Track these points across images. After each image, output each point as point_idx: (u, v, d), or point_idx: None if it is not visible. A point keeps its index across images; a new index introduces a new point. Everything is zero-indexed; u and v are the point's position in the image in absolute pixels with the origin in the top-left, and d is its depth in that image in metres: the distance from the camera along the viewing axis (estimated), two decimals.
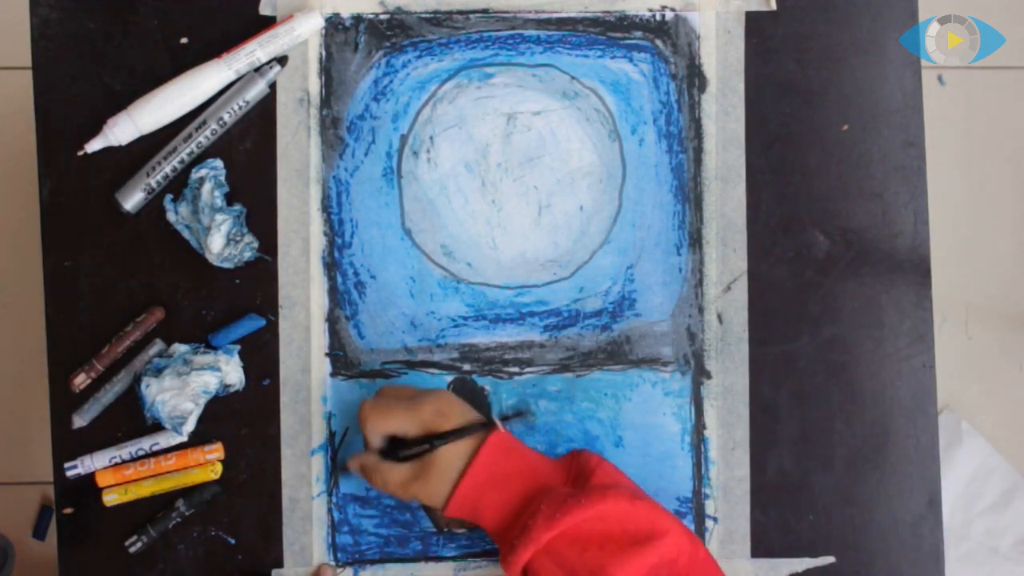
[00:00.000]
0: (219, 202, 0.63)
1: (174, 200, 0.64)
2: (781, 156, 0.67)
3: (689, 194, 0.67)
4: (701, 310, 0.66)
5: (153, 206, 0.65)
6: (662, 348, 0.66)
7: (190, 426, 0.62)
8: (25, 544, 1.31)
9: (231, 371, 0.64)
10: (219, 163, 0.65)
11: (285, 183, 0.66)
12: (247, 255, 0.64)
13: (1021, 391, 1.40)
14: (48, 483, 1.31)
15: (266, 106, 0.66)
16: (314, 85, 0.66)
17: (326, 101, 0.66)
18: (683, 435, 0.66)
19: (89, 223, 0.65)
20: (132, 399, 0.64)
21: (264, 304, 0.65)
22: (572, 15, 0.66)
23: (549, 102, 0.66)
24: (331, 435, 0.65)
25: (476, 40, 0.66)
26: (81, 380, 0.64)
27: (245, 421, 0.65)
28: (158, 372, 0.62)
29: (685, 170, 0.67)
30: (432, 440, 0.57)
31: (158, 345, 0.64)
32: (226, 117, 0.64)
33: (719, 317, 0.66)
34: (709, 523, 0.66)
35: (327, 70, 0.66)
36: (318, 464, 0.65)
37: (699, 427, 0.66)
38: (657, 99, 0.67)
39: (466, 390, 0.65)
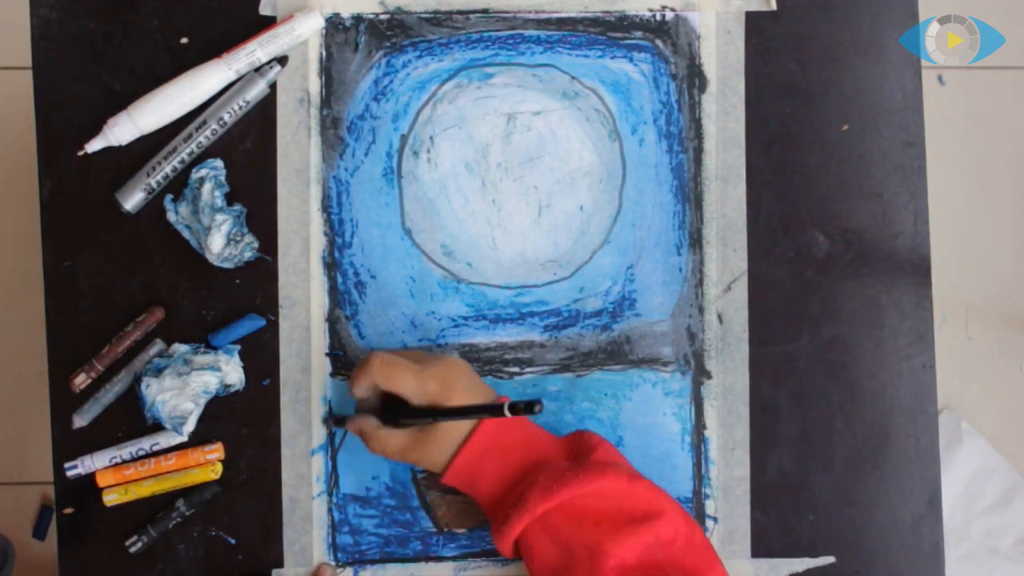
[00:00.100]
0: (219, 202, 0.63)
1: (174, 200, 0.65)
2: (781, 156, 0.67)
3: (689, 194, 0.67)
4: (701, 310, 0.66)
5: (153, 206, 0.65)
6: (662, 348, 0.66)
7: (190, 426, 0.62)
8: (25, 544, 1.31)
9: (231, 371, 0.64)
10: (219, 163, 0.65)
11: (285, 183, 0.66)
12: (247, 255, 0.64)
13: (1021, 391, 1.40)
14: (48, 483, 1.31)
15: (266, 106, 0.66)
16: (314, 85, 0.66)
17: (326, 101, 0.66)
18: (683, 435, 0.66)
19: (89, 223, 0.65)
20: (132, 399, 0.64)
21: (264, 304, 0.65)
22: (572, 15, 0.66)
23: (549, 102, 0.66)
24: (331, 435, 0.65)
25: (476, 40, 0.66)
26: (81, 380, 0.64)
27: (245, 421, 0.65)
28: (158, 372, 0.62)
29: (685, 170, 0.67)
30: (433, 414, 0.57)
31: (158, 345, 0.64)
32: (226, 117, 0.64)
33: (719, 317, 0.66)
34: (709, 523, 0.66)
35: (327, 70, 0.66)
36: (318, 464, 0.65)
37: (699, 427, 0.66)
38: (657, 99, 0.67)
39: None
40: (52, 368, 0.65)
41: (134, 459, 0.64)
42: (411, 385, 0.57)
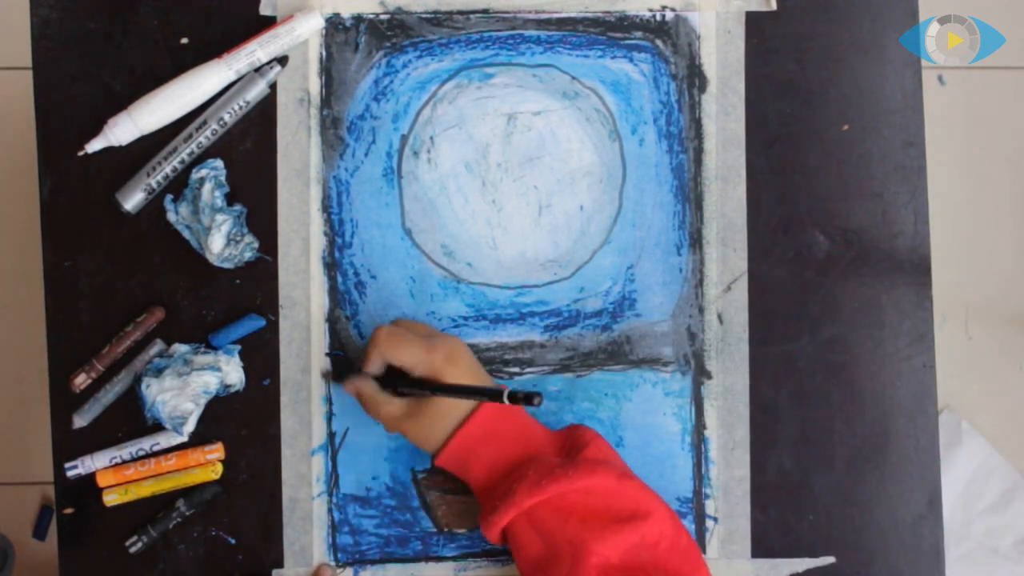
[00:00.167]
0: (219, 202, 0.63)
1: (174, 200, 0.64)
2: (781, 156, 0.67)
3: (689, 194, 0.67)
4: (701, 310, 0.66)
5: (153, 206, 0.65)
6: (662, 348, 0.66)
7: (190, 426, 0.62)
8: (25, 544, 1.31)
9: (231, 371, 0.64)
10: (219, 163, 0.65)
11: (285, 183, 0.66)
12: (247, 255, 0.64)
13: (1021, 391, 1.40)
14: (48, 483, 1.31)
15: (266, 106, 0.66)
16: (314, 85, 0.66)
17: (326, 101, 0.66)
18: (683, 435, 0.66)
19: (89, 223, 0.65)
20: (132, 399, 0.64)
21: (264, 304, 0.65)
22: (572, 15, 0.66)
23: (549, 102, 0.66)
24: (331, 435, 0.65)
25: (476, 40, 0.66)
26: (81, 380, 0.64)
27: (245, 421, 0.65)
28: (158, 372, 0.62)
29: (685, 170, 0.67)
30: (434, 388, 0.57)
31: (158, 345, 0.64)
32: (226, 117, 0.64)
33: (719, 317, 0.66)
34: (709, 523, 0.66)
35: (327, 70, 0.66)
36: (318, 464, 0.65)
37: (699, 427, 0.66)
38: (657, 99, 0.67)
39: None
40: (52, 368, 0.65)
41: (134, 459, 0.64)
42: (417, 356, 0.57)
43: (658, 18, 0.67)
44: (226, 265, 0.64)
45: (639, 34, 0.67)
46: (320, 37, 0.66)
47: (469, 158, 0.66)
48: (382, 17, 0.66)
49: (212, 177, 0.64)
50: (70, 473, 0.64)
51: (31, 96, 0.65)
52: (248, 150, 0.66)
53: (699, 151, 0.67)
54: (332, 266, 0.66)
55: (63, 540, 0.65)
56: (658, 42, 0.67)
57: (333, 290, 0.66)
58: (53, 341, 0.65)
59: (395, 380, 0.59)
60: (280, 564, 0.65)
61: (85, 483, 0.64)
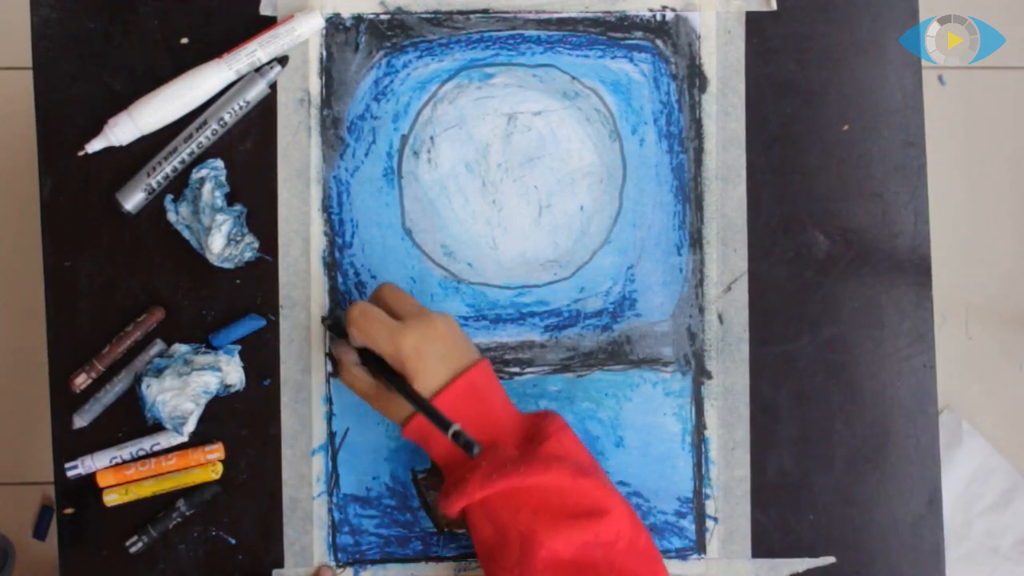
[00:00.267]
0: (219, 202, 0.63)
1: (174, 200, 0.65)
2: (781, 156, 0.67)
3: (689, 194, 0.67)
4: (702, 310, 0.66)
5: (153, 206, 0.65)
6: (663, 348, 0.66)
7: (191, 426, 0.62)
8: (25, 544, 1.31)
9: (231, 371, 0.64)
10: (219, 163, 0.65)
11: (285, 183, 0.66)
12: (247, 255, 0.64)
13: (1021, 391, 1.40)
14: (48, 483, 1.31)
15: (266, 106, 0.66)
16: (314, 85, 0.66)
17: (326, 101, 0.66)
18: (684, 435, 0.66)
19: (89, 223, 0.65)
20: (132, 399, 0.64)
21: (264, 304, 0.65)
22: (572, 15, 0.66)
23: (549, 102, 0.66)
24: (331, 435, 0.65)
25: (476, 40, 0.66)
26: (81, 380, 0.64)
27: (245, 421, 0.65)
28: (158, 372, 0.62)
29: (686, 170, 0.67)
30: (398, 386, 0.56)
31: (158, 345, 0.64)
32: (226, 117, 0.64)
33: (719, 317, 0.66)
34: (709, 523, 0.66)
35: (327, 70, 0.66)
36: (318, 464, 0.65)
37: (699, 427, 0.66)
38: (657, 99, 0.67)
39: None
40: (52, 368, 0.65)
41: (134, 459, 0.64)
42: (383, 343, 0.56)
43: (658, 18, 0.67)
44: (226, 265, 0.64)
45: (639, 34, 0.67)
46: (320, 37, 0.66)
47: (469, 158, 0.66)
48: (382, 17, 0.66)
49: (212, 177, 0.64)
50: (70, 473, 0.64)
51: (31, 96, 0.65)
52: (248, 150, 0.66)
53: (699, 151, 0.67)
54: (332, 266, 0.66)
55: (63, 540, 0.65)
56: (658, 42, 0.67)
57: (333, 290, 0.66)
58: (53, 341, 0.65)
59: (371, 359, 0.59)
60: (280, 564, 0.65)
61: (85, 483, 0.64)
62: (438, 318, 0.58)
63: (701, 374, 0.66)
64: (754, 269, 0.67)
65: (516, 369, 0.66)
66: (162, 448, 0.64)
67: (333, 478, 0.65)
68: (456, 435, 0.52)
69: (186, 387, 0.61)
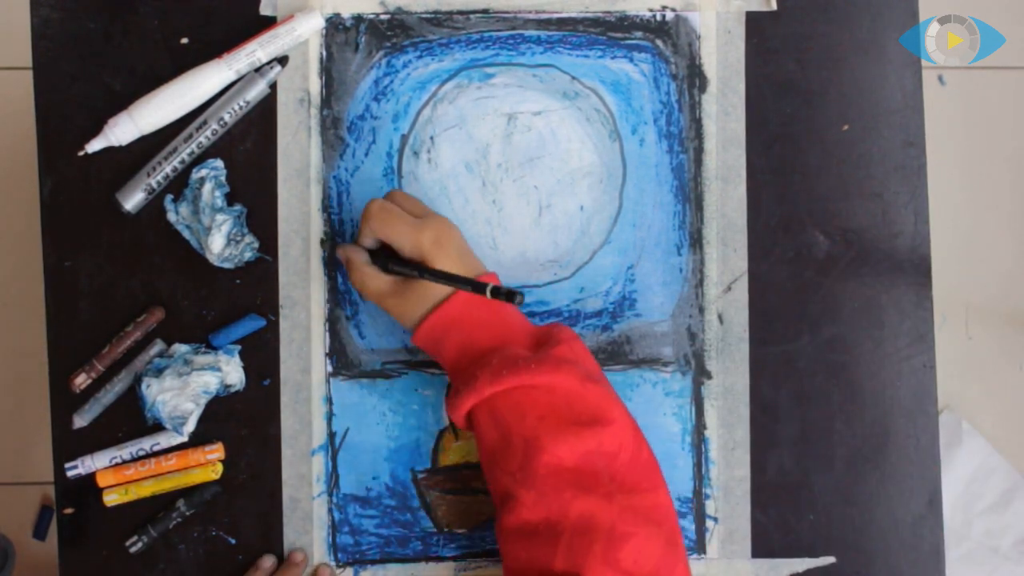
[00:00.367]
0: (219, 202, 0.63)
1: (174, 200, 0.65)
2: (781, 156, 0.67)
3: (689, 194, 0.67)
4: (701, 310, 0.66)
5: (153, 206, 0.65)
6: (662, 348, 0.66)
7: (190, 426, 0.62)
8: (25, 544, 1.31)
9: (231, 371, 0.64)
10: (219, 163, 0.65)
11: (285, 183, 0.66)
12: (247, 255, 0.64)
13: (1021, 391, 1.40)
14: (48, 483, 1.31)
15: (266, 106, 0.66)
16: (314, 85, 0.66)
17: (326, 101, 0.66)
18: (683, 435, 0.66)
19: (89, 223, 0.65)
20: (132, 399, 0.64)
21: (264, 304, 0.65)
22: (572, 15, 0.66)
23: (549, 102, 0.66)
24: (331, 435, 0.65)
25: (476, 40, 0.66)
26: (81, 380, 0.64)
27: (245, 421, 0.65)
28: (158, 372, 0.62)
29: (686, 170, 0.67)
30: (421, 270, 0.56)
31: (158, 345, 0.64)
32: (226, 117, 0.64)
33: (719, 317, 0.66)
34: (709, 523, 0.66)
35: (327, 70, 0.66)
36: (318, 464, 0.65)
37: (699, 427, 0.66)
38: (657, 99, 0.67)
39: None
40: (52, 368, 0.65)
41: (134, 459, 0.64)
42: (406, 236, 0.57)
43: (658, 18, 0.67)
44: (226, 265, 0.64)
45: (639, 34, 0.67)
46: (320, 37, 0.66)
47: (469, 158, 0.66)
48: (382, 17, 0.66)
49: (212, 177, 0.64)
50: (70, 473, 0.64)
51: (31, 96, 0.65)
52: (248, 150, 0.66)
53: (699, 151, 0.67)
54: (332, 266, 0.66)
55: (63, 540, 0.65)
56: (658, 42, 0.67)
57: (333, 290, 0.66)
58: (53, 341, 0.65)
59: (385, 257, 0.59)
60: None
61: (85, 483, 0.64)
62: (452, 223, 0.60)
63: (701, 374, 0.66)
64: (754, 269, 0.67)
65: None
66: (162, 448, 0.64)
67: (333, 478, 0.65)
68: (496, 291, 0.52)
69: (186, 387, 0.61)
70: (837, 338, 0.67)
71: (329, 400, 0.65)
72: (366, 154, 0.66)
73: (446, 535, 0.66)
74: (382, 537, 0.65)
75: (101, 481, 0.64)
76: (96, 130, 0.64)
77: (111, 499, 0.64)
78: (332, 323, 0.66)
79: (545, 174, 0.66)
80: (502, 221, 0.66)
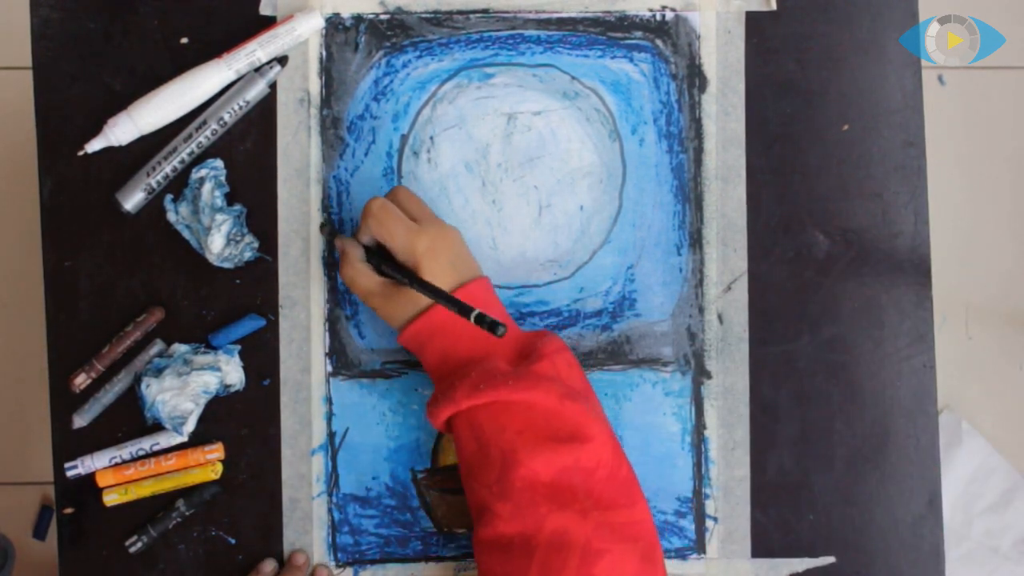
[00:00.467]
0: (219, 202, 0.63)
1: (174, 200, 0.65)
2: (781, 156, 0.67)
3: (689, 194, 0.67)
4: (701, 310, 0.66)
5: (153, 206, 0.65)
6: (662, 348, 0.66)
7: (190, 426, 0.62)
8: (25, 544, 1.31)
9: (231, 371, 0.64)
10: (219, 163, 0.65)
11: (285, 183, 0.66)
12: (247, 255, 0.64)
13: (1021, 391, 1.40)
14: (48, 483, 1.31)
15: (266, 106, 0.66)
16: (314, 85, 0.66)
17: (326, 101, 0.66)
18: (683, 435, 0.66)
19: (89, 223, 0.65)
20: (132, 399, 0.64)
21: (264, 304, 0.65)
22: (572, 15, 0.66)
23: (549, 102, 0.66)
24: (331, 435, 0.65)
25: (476, 40, 0.66)
26: (81, 380, 0.64)
27: (245, 421, 0.65)
28: (158, 372, 0.62)
29: (685, 170, 0.67)
30: (411, 279, 0.56)
31: (158, 345, 0.64)
32: (226, 117, 0.64)
33: (719, 317, 0.66)
34: (709, 523, 0.66)
35: (327, 70, 0.66)
36: (318, 464, 0.65)
37: (699, 427, 0.66)
38: (657, 99, 0.67)
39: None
40: (52, 368, 0.65)
41: (134, 459, 0.64)
42: (400, 239, 0.57)
43: (658, 18, 0.67)
44: (226, 265, 0.64)
45: (639, 34, 0.67)
46: (320, 37, 0.66)
47: (469, 158, 0.66)
48: (382, 17, 0.66)
49: (212, 177, 0.64)
50: (70, 473, 0.64)
51: (31, 96, 0.65)
52: (248, 150, 0.66)
53: (699, 151, 0.67)
54: (332, 266, 0.66)
55: (63, 540, 0.65)
56: (658, 42, 0.67)
57: (333, 290, 0.66)
58: (53, 341, 0.65)
59: (379, 257, 0.59)
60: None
61: (85, 483, 0.64)
62: (451, 227, 0.60)
63: (701, 374, 0.66)
64: (754, 269, 0.67)
65: None
66: (162, 448, 0.64)
67: (333, 478, 0.65)
68: (480, 318, 0.52)
69: (186, 387, 0.61)
70: (837, 338, 0.67)
71: (329, 400, 0.65)
72: (366, 154, 0.66)
73: (446, 535, 0.66)
74: (382, 537, 0.65)
75: (101, 481, 0.64)
76: (96, 130, 0.64)
77: (111, 499, 0.64)
78: (332, 323, 0.66)
79: (545, 174, 0.66)
80: (502, 221, 0.66)
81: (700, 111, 0.67)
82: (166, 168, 0.63)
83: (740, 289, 0.66)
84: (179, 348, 0.64)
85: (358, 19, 0.66)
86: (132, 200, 0.64)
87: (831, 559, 0.66)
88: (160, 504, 0.64)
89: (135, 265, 0.65)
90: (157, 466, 0.64)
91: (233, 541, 0.65)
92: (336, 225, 0.66)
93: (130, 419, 0.64)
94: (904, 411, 0.67)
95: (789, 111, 0.67)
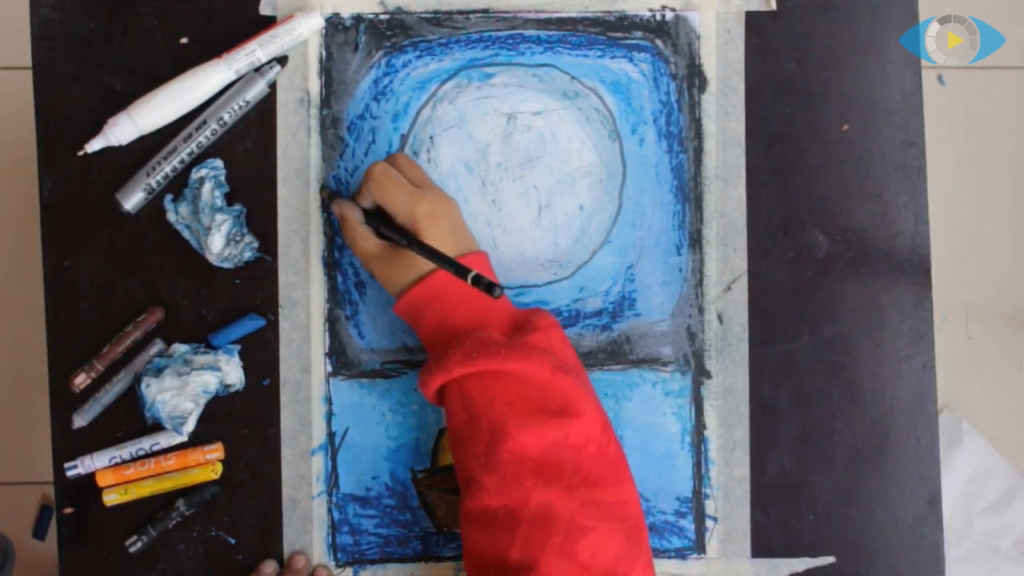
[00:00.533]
0: (219, 202, 0.63)
1: (174, 200, 0.65)
2: (781, 156, 0.67)
3: (689, 194, 0.67)
4: (701, 310, 0.66)
5: (153, 206, 0.65)
6: (662, 348, 0.66)
7: (190, 426, 0.62)
8: (25, 544, 1.31)
9: (231, 371, 0.64)
10: (219, 163, 0.65)
11: (285, 183, 0.66)
12: (247, 255, 0.64)
13: (1021, 391, 1.40)
14: (48, 483, 1.31)
15: (266, 106, 0.66)
16: (314, 85, 0.66)
17: (326, 101, 0.66)
18: (683, 435, 0.66)
19: (89, 223, 0.65)
20: (132, 399, 0.64)
21: (264, 304, 0.65)
22: (572, 15, 0.66)
23: (549, 102, 0.66)
24: (331, 435, 0.65)
25: (476, 40, 0.66)
26: (81, 380, 0.64)
27: (245, 421, 0.65)
28: (158, 372, 0.62)
29: (685, 170, 0.67)
30: (410, 241, 0.56)
31: (158, 345, 0.64)
32: (226, 117, 0.64)
33: (719, 317, 0.66)
34: (709, 523, 0.66)
35: (327, 70, 0.66)
36: (318, 464, 0.65)
37: (699, 427, 0.66)
38: (657, 99, 0.67)
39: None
40: (52, 368, 0.65)
41: (134, 459, 0.64)
42: (401, 203, 0.58)
43: (658, 18, 0.67)
44: (226, 265, 0.64)
45: (639, 34, 0.67)
46: (320, 37, 0.66)
47: (469, 158, 0.66)
48: (382, 17, 0.66)
49: (212, 177, 0.64)
50: (70, 473, 0.64)
51: (31, 96, 0.65)
52: (248, 150, 0.66)
53: (699, 151, 0.67)
54: (332, 266, 0.66)
55: (63, 540, 0.65)
56: (658, 42, 0.67)
57: (333, 290, 0.66)
58: (53, 341, 0.65)
59: (379, 220, 0.60)
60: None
61: (85, 483, 0.64)
62: (450, 197, 0.60)
63: (701, 374, 0.66)
64: (754, 269, 0.67)
65: None
66: (162, 448, 0.64)
67: (333, 478, 0.65)
68: (477, 279, 0.51)
69: (186, 387, 0.61)
70: (837, 338, 0.67)
71: (329, 400, 0.65)
72: (366, 154, 0.66)
73: (446, 535, 0.66)
74: (382, 537, 0.65)
75: (101, 481, 0.64)
76: (96, 130, 0.64)
77: (111, 499, 0.64)
78: (332, 323, 0.66)
79: (545, 174, 0.66)
80: (502, 221, 0.66)
81: (700, 111, 0.67)
82: (166, 168, 0.63)
83: (740, 289, 0.66)
84: (179, 348, 0.64)
85: (358, 19, 0.66)
86: (132, 200, 0.64)
87: (831, 559, 0.66)
88: (160, 504, 0.64)
89: (135, 265, 0.65)
90: (157, 466, 0.64)
91: (233, 541, 0.65)
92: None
93: (130, 419, 0.64)
94: (904, 411, 0.67)
95: (789, 111, 0.67)
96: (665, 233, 0.67)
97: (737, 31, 0.67)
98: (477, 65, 0.66)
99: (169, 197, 0.64)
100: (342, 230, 0.61)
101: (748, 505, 0.66)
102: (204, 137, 0.64)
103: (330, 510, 0.65)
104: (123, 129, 0.63)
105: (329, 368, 0.65)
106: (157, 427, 0.64)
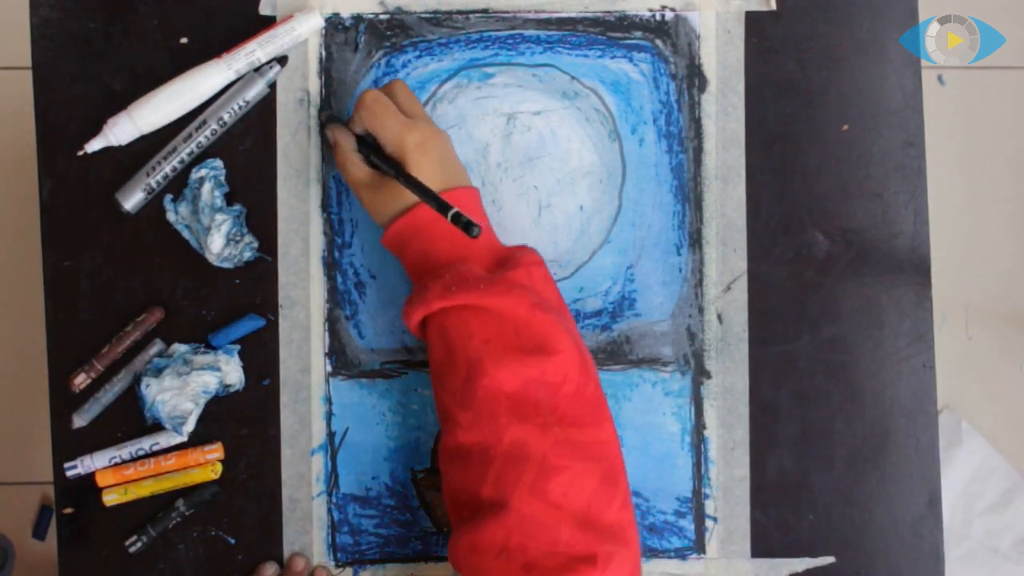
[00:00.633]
0: (219, 202, 0.63)
1: (174, 200, 0.65)
2: (781, 156, 0.67)
3: (689, 194, 0.67)
4: (701, 310, 0.66)
5: (153, 206, 0.65)
6: (662, 348, 0.66)
7: (190, 426, 0.62)
8: (25, 544, 1.31)
9: (231, 371, 0.64)
10: (219, 163, 0.65)
11: (285, 183, 0.66)
12: (247, 255, 0.64)
13: (1021, 391, 1.40)
14: (48, 483, 1.31)
15: (266, 106, 0.66)
16: (314, 85, 0.66)
17: (326, 101, 0.66)
18: (683, 435, 0.66)
19: (89, 223, 0.65)
20: (132, 399, 0.64)
21: (264, 304, 0.65)
22: (572, 15, 0.66)
23: (549, 102, 0.66)
24: (331, 435, 0.65)
25: (476, 40, 0.66)
26: (81, 380, 0.64)
27: (245, 421, 0.65)
28: (158, 372, 0.62)
29: (685, 170, 0.67)
30: (397, 171, 0.56)
31: (158, 345, 0.64)
32: (226, 117, 0.64)
33: (719, 317, 0.66)
34: (709, 523, 0.66)
35: (327, 70, 0.66)
36: (318, 464, 0.65)
37: (699, 427, 0.66)
38: (657, 99, 0.67)
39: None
40: (52, 368, 0.65)
41: (134, 459, 0.64)
42: (391, 132, 0.57)
43: (658, 18, 0.67)
44: (226, 265, 0.64)
45: (639, 34, 0.67)
46: (320, 37, 0.66)
47: (469, 158, 0.66)
48: (382, 17, 0.66)
49: (212, 177, 0.64)
50: (70, 473, 0.64)
51: (31, 96, 0.65)
52: (248, 150, 0.66)
53: (699, 151, 0.67)
54: (332, 266, 0.66)
55: (63, 540, 0.65)
56: (658, 42, 0.67)
57: (333, 290, 0.66)
58: (53, 341, 0.65)
59: (369, 148, 0.59)
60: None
61: (85, 483, 0.64)
62: (443, 131, 0.60)
63: (700, 374, 0.66)
64: (754, 269, 0.67)
65: None
66: (161, 448, 0.64)
67: (332, 478, 0.65)
68: (456, 217, 0.51)
69: (185, 387, 0.61)
70: (837, 338, 0.67)
71: (329, 400, 0.65)
72: None
73: (446, 535, 0.66)
74: (382, 537, 0.65)
75: (100, 481, 0.64)
76: (96, 130, 0.64)
77: (110, 499, 0.64)
78: (332, 323, 0.66)
79: (545, 174, 0.66)
80: (502, 221, 0.66)
81: (700, 111, 0.67)
82: (166, 168, 0.64)
83: (740, 289, 0.66)
84: (179, 348, 0.64)
85: (358, 19, 0.66)
86: (132, 200, 0.64)
87: (831, 559, 0.66)
88: (160, 504, 0.64)
89: (135, 265, 0.65)
90: (157, 466, 0.64)
91: (233, 541, 0.65)
92: (336, 225, 0.66)
93: (130, 419, 0.64)
94: (904, 411, 0.67)
95: (789, 111, 0.67)
96: (665, 233, 0.67)
97: (737, 31, 0.67)
98: (477, 65, 0.66)
99: (169, 197, 0.65)
100: (334, 155, 0.61)
101: (748, 505, 0.66)
102: (204, 137, 0.64)
103: (330, 510, 0.65)
104: (123, 129, 0.63)
105: (329, 368, 0.65)
106: (157, 427, 0.64)
